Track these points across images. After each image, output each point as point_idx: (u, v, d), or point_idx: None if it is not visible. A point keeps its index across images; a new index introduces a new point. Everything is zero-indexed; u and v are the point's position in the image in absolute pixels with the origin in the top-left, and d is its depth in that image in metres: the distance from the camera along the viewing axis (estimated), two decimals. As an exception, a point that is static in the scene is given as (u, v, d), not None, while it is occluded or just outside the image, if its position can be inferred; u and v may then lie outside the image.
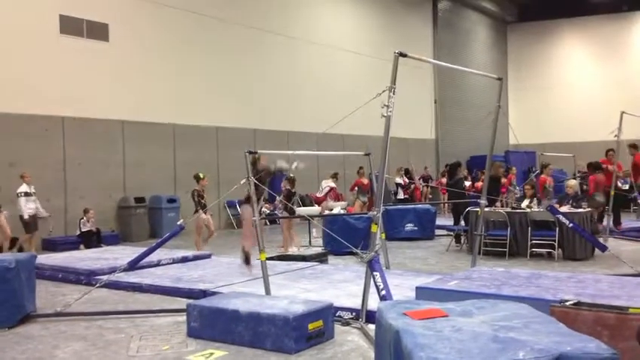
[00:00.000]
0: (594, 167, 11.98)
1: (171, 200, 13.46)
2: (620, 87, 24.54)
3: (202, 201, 9.58)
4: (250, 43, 15.73)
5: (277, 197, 9.90)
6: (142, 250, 7.24)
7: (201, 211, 9.43)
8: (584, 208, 9.56)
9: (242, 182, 6.49)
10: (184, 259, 8.66)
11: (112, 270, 7.13)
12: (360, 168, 13.64)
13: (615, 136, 11.23)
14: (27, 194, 10.30)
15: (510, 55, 27.97)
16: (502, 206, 10.01)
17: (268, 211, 10.27)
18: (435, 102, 22.73)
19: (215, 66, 14.90)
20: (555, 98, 26.50)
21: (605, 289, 5.18)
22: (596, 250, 8.56)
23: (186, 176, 13.73)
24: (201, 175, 9.88)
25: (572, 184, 10.29)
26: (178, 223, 6.84)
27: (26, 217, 10.21)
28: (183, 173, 13.61)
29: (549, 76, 26.97)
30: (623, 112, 11.19)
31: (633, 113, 11.48)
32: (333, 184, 12.57)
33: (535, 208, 9.49)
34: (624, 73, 25.32)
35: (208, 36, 14.73)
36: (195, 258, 8.83)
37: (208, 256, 9.03)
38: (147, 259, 7.41)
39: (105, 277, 6.74)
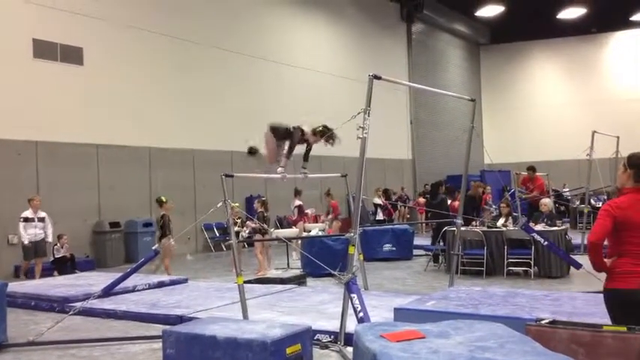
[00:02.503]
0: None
1: (147, 224, 13.31)
2: (590, 106, 25.12)
3: (171, 225, 9.53)
4: (227, 65, 15.76)
5: (251, 220, 9.84)
6: (117, 275, 7.13)
7: (170, 235, 9.34)
8: (559, 226, 9.69)
9: (218, 205, 6.44)
10: (160, 284, 8.54)
11: (86, 297, 6.99)
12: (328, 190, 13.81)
13: (588, 155, 11.49)
14: (27, 219, 10.17)
15: (483, 76, 28.48)
16: (478, 225, 10.10)
17: (247, 234, 10.20)
18: (411, 122, 22.97)
19: (191, 89, 14.88)
20: (528, 118, 26.99)
21: (581, 306, 5.24)
22: (572, 267, 8.66)
23: (162, 200, 13.61)
24: (164, 199, 9.83)
25: (547, 202, 10.43)
26: (153, 247, 6.77)
27: (26, 242, 10.10)
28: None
29: (522, 96, 27.49)
30: (594, 132, 11.47)
31: (604, 132, 11.77)
32: (299, 202, 12.57)
33: (511, 227, 9.59)
34: (594, 93, 25.94)
35: (185, 59, 14.73)
36: (172, 283, 8.71)
37: (185, 281, 8.91)
38: (122, 285, 7.30)
39: (79, 305, 6.60)
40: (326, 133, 6.30)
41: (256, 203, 10.25)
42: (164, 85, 14.28)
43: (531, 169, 12.81)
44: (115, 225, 12.91)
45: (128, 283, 7.48)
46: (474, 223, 9.95)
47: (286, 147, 6.32)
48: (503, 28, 25.60)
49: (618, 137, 12.17)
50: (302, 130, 6.37)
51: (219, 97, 15.55)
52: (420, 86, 6.42)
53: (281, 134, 6.34)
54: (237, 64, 16.06)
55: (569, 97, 26.54)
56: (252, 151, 6.78)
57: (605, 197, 12.30)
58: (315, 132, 6.37)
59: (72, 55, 12.66)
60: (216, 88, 15.50)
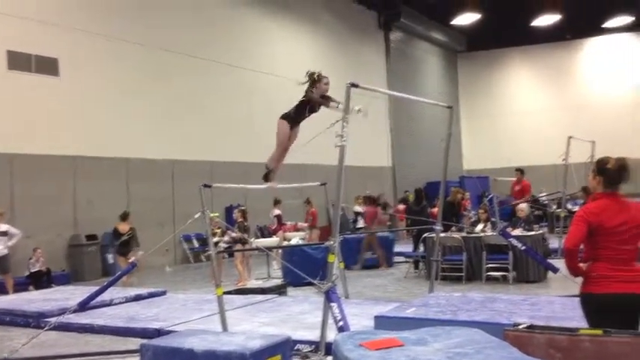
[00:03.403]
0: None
1: (129, 237, 13.11)
2: (566, 112, 25.49)
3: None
4: (205, 74, 15.71)
5: (231, 230, 9.78)
6: (94, 289, 7.02)
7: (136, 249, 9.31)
8: (536, 231, 9.79)
9: (196, 216, 6.39)
10: (138, 297, 8.43)
11: (62, 311, 6.86)
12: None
13: (563, 160, 11.65)
14: None
15: (461, 84, 28.77)
16: (458, 231, 10.16)
17: (227, 245, 10.12)
18: (391, 130, 23.09)
19: (169, 99, 14.78)
20: (506, 124, 27.30)
21: (558, 310, 5.28)
22: (549, 271, 8.74)
23: (140, 212, 13.45)
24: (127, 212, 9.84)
25: (524, 207, 10.54)
26: (131, 260, 6.68)
27: None
28: (137, 208, 13.32)
29: (499, 102, 27.82)
30: (570, 137, 11.63)
31: (580, 137, 11.94)
32: (278, 211, 12.55)
33: (489, 232, 9.66)
34: (569, 99, 26.34)
35: (163, 69, 14.63)
36: (150, 295, 8.60)
37: (163, 293, 8.81)
38: (99, 299, 7.18)
39: (54, 320, 6.47)
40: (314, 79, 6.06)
41: (236, 213, 10.20)
42: (142, 95, 14.16)
43: (519, 170, 13.04)
44: (91, 238, 12.74)
45: (105, 296, 7.37)
46: (453, 228, 10.01)
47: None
48: (480, 35, 25.90)
49: (594, 142, 12.35)
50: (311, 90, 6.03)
51: (198, 106, 15.47)
52: (397, 94, 6.42)
53: (293, 113, 6.06)
54: (216, 72, 16.01)
55: (546, 102, 26.92)
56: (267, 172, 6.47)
57: (583, 202, 12.46)
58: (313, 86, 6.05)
59: (47, 66, 12.51)
60: (195, 98, 15.43)
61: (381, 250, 11.92)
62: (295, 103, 6.00)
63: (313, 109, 6.19)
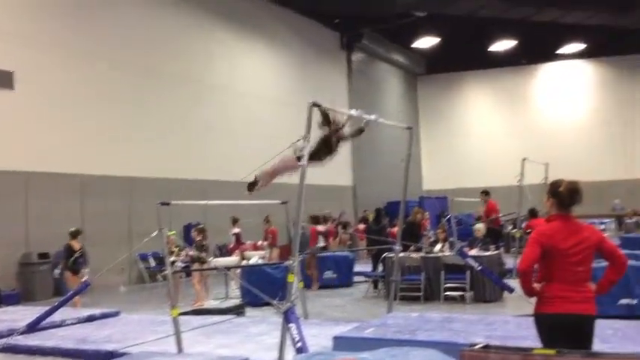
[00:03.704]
0: None
1: (80, 255, 12.75)
2: (522, 134, 26.19)
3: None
4: (165, 90, 15.54)
5: (188, 249, 9.63)
6: (45, 309, 6.78)
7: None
8: (492, 251, 9.96)
9: (153, 235, 6.26)
10: (91, 318, 8.16)
11: (10, 332, 6.59)
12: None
13: (518, 181, 11.95)
14: None
15: (421, 105, 29.27)
16: (416, 251, 10.24)
17: (184, 264, 9.94)
18: (352, 149, 23.24)
19: (127, 115, 14.54)
20: (464, 145, 27.85)
21: (513, 330, 5.36)
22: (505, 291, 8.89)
23: (95, 229, 13.12)
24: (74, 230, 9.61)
25: (480, 227, 10.72)
26: (83, 279, 6.48)
27: None
28: (92, 226, 13.01)
29: (458, 124, 28.39)
30: (524, 159, 11.95)
31: (534, 160, 12.28)
32: (237, 230, 12.43)
33: (447, 252, 9.78)
34: (525, 122, 27.10)
35: (122, 85, 14.41)
36: (103, 316, 8.34)
37: (117, 314, 8.56)
38: (49, 320, 6.94)
39: (2, 341, 6.22)
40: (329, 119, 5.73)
41: (194, 232, 10.05)
42: (99, 110, 13.88)
43: (484, 192, 13.28)
44: (43, 256, 12.33)
45: (56, 317, 7.12)
46: (411, 248, 10.10)
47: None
48: (439, 59, 26.49)
49: (547, 164, 12.71)
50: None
51: (158, 123, 15.26)
52: (356, 114, 6.44)
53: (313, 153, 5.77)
54: (177, 89, 15.87)
55: (503, 125, 27.61)
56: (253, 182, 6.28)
57: (526, 222, 12.77)
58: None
59: (2, 79, 12.15)
60: (153, 114, 15.22)
61: (315, 270, 11.83)
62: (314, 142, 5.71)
63: (331, 148, 5.90)
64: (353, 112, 6.21)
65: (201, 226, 9.88)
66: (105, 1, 14.23)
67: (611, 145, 25.71)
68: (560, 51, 26.11)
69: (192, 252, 9.61)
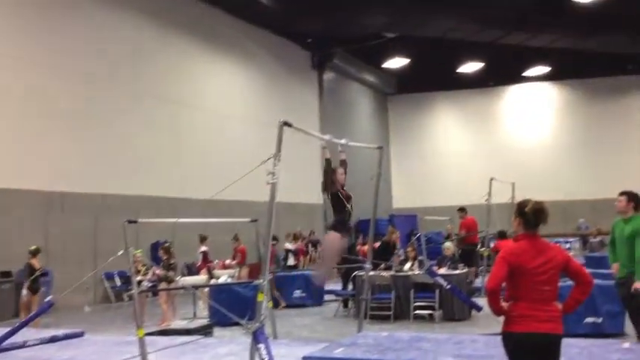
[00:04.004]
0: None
1: (43, 274, 12.38)
2: (489, 154, 26.64)
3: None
4: (133, 106, 15.33)
5: (155, 268, 9.46)
6: (5, 330, 6.56)
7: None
8: (461, 270, 10.04)
9: (119, 253, 6.14)
10: (54, 339, 7.92)
11: (-33, 355, 6.36)
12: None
13: (486, 200, 12.13)
14: None
15: (391, 124, 29.57)
16: (387, 269, 10.26)
17: (151, 283, 9.76)
18: (322, 168, 23.32)
19: (93, 131, 14.27)
20: (433, 165, 28.18)
21: (481, 349, 5.38)
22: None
23: (59, 247, 12.83)
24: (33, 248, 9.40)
25: (449, 246, 10.81)
26: (47, 299, 6.31)
27: None
28: (56, 245, 12.72)
29: (428, 144, 28.74)
30: (492, 179, 12.15)
31: (501, 179, 12.49)
32: (204, 248, 12.27)
33: (417, 271, 9.81)
34: (492, 142, 27.59)
35: (85, 98, 14.09)
36: (66, 337, 8.10)
37: (81, 334, 8.32)
38: (10, 341, 6.70)
39: (-43, 365, 5.99)
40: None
41: (160, 250, 9.89)
42: (64, 126, 13.57)
43: (462, 210, 13.45)
44: (5, 275, 11.97)
45: (18, 338, 6.89)
46: (382, 266, 10.12)
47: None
48: (409, 79, 26.88)
49: (513, 183, 12.94)
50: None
51: (127, 139, 15.04)
52: (323, 137, 6.45)
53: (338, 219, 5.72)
54: (146, 105, 15.70)
55: (471, 145, 28.04)
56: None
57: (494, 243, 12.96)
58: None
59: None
60: (124, 130, 15.00)
61: (274, 290, 11.74)
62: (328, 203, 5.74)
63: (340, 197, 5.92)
64: (324, 136, 6.23)
65: (167, 244, 9.72)
66: (71, 13, 14.04)
67: (576, 165, 26.34)
68: (526, 73, 26.78)
69: (159, 271, 9.44)
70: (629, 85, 26.25)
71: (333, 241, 5.92)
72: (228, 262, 13.92)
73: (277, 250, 12.47)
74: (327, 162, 5.84)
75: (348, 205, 5.70)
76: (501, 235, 11.79)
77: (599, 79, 26.20)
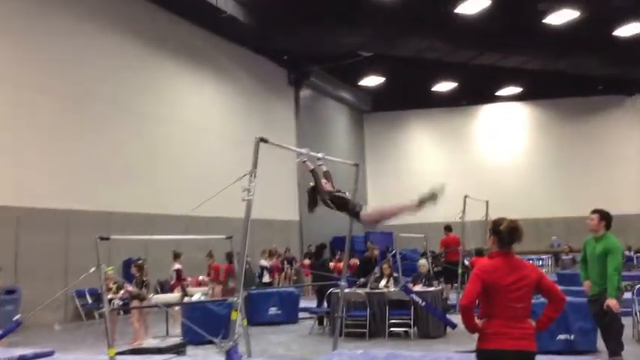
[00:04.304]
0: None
1: (10, 292, 12.07)
2: (463, 172, 26.91)
3: None
4: (106, 120, 15.10)
5: (127, 285, 9.31)
6: (-31, 351, 6.37)
7: None
8: (436, 287, 10.08)
9: (91, 271, 6.04)
10: (22, 359, 7.72)
11: None
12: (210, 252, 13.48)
13: (460, 218, 12.25)
14: None
15: (367, 142, 29.75)
16: (362, 286, 10.25)
17: (123, 301, 9.58)
18: (298, 183, 23.29)
19: (65, 144, 14.01)
20: (408, 182, 28.28)
21: (456, 366, 5.39)
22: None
23: (29, 264, 12.55)
24: None
25: (424, 263, 10.86)
26: (15, 318, 6.15)
27: None
28: (26, 261, 12.43)
29: (402, 161, 28.95)
30: (466, 196, 12.28)
31: (475, 197, 12.63)
32: (178, 266, 12.11)
33: (392, 288, 9.82)
34: (467, 160, 27.93)
35: (56, 113, 13.83)
36: (35, 356, 7.90)
37: (51, 354, 8.13)
38: (-26, 362, 6.51)
39: None
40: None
41: (133, 268, 9.74)
42: (35, 140, 13.29)
43: (446, 228, 13.59)
44: (-29, 293, 11.62)
45: (-18, 358, 6.69)
46: (357, 283, 10.11)
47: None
48: (384, 97, 27.15)
49: (487, 201, 13.10)
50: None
51: (99, 154, 14.80)
52: (304, 152, 6.44)
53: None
54: (120, 119, 15.50)
55: (445, 162, 28.33)
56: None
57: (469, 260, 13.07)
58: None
59: None
60: (97, 146, 14.76)
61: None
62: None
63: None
64: (302, 150, 6.26)
65: (140, 261, 9.57)
66: (46, 28, 13.88)
67: (549, 183, 26.80)
68: (499, 93, 27.28)
69: (131, 288, 9.29)
70: (600, 106, 26.91)
71: (371, 213, 6.06)
72: (201, 278, 13.77)
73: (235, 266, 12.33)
74: (313, 172, 5.81)
75: (346, 194, 5.72)
76: (478, 253, 11.90)
77: (571, 100, 26.82)
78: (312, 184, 5.91)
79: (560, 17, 18.62)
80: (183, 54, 17.98)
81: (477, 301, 3.65)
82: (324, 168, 6.13)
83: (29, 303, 10.95)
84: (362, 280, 10.41)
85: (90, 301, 13.89)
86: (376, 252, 12.57)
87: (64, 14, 14.37)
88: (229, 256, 11.88)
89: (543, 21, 18.80)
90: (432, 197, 5.43)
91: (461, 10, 17.94)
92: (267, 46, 20.41)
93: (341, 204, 5.68)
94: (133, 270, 9.62)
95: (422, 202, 5.48)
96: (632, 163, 26.11)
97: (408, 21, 18.58)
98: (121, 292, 9.57)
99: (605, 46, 20.96)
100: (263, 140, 5.65)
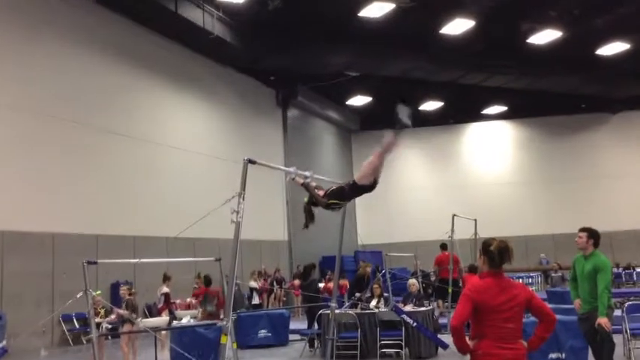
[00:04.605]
0: None
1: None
2: (451, 191, 27.06)
3: None
4: (93, 142, 14.94)
5: (116, 309, 9.18)
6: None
7: None
8: (427, 307, 10.05)
9: (78, 296, 5.96)
10: (6, 387, 7.56)
11: None
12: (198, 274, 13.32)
13: (449, 236, 12.29)
14: None
15: (355, 161, 29.82)
16: (353, 306, 10.20)
17: (110, 325, 9.44)
18: (287, 203, 23.24)
19: (52, 167, 13.85)
20: (397, 201, 28.42)
21: (449, 387, 5.35)
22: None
23: (15, 289, 12.36)
24: None
25: (414, 282, 10.83)
26: (0, 345, 6.04)
27: None
28: (11, 286, 12.23)
29: (391, 180, 28.99)
30: (454, 215, 12.33)
31: (463, 215, 12.69)
32: (166, 289, 11.96)
33: (383, 308, 9.78)
34: (454, 179, 28.05)
35: (42, 134, 13.68)
36: (20, 384, 7.75)
37: (36, 381, 7.98)
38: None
39: None
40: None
41: (123, 289, 9.60)
42: (19, 162, 13.07)
43: (442, 246, 13.64)
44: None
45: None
46: (356, 295, 10.06)
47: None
48: (372, 116, 27.29)
49: (476, 220, 13.15)
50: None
51: (84, 176, 14.61)
52: (292, 171, 6.45)
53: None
54: (108, 143, 15.39)
55: (434, 181, 28.46)
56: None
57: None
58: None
59: None
60: (81, 168, 14.59)
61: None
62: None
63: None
64: (289, 169, 6.26)
65: (130, 285, 9.45)
66: (35, 50, 13.85)
67: (536, 201, 26.95)
68: (484, 112, 27.55)
69: (122, 311, 9.15)
70: (585, 123, 27.23)
71: (362, 170, 6.14)
72: (188, 300, 13.64)
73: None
74: (305, 186, 5.84)
75: (336, 185, 5.76)
76: (472, 269, 11.89)
77: (556, 118, 27.14)
78: (306, 199, 5.93)
79: (544, 37, 18.93)
80: (170, 75, 17.98)
81: (467, 322, 3.64)
82: (313, 183, 6.13)
83: (15, 328, 10.78)
84: (357, 295, 10.37)
85: (77, 325, 13.68)
86: (368, 269, 12.52)
87: (55, 39, 14.35)
88: (207, 279, 11.78)
89: (527, 41, 19.10)
90: (398, 122, 5.47)
91: (446, 30, 18.18)
92: (254, 66, 20.51)
93: (340, 193, 5.72)
94: (123, 292, 9.50)
95: (396, 129, 5.49)
96: (618, 179, 26.37)
97: (394, 41, 18.79)
98: (112, 316, 9.43)
99: (587, 65, 21.30)
100: (251, 162, 5.64)
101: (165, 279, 12.02)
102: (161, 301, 11.83)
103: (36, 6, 13.87)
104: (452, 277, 12.63)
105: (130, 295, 9.32)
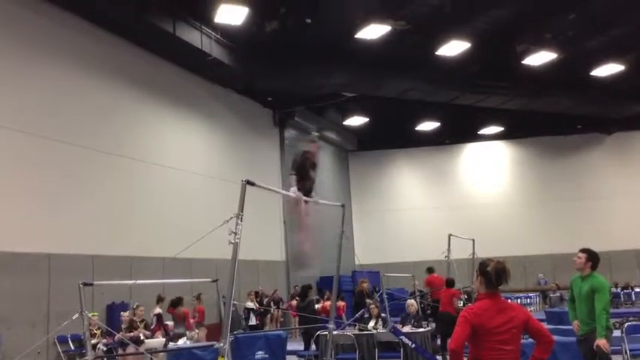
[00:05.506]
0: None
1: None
2: (448, 210, 27.08)
3: None
4: (88, 162, 14.89)
5: (115, 333, 9.13)
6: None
7: None
8: (425, 327, 10.00)
9: (74, 317, 5.92)
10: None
11: None
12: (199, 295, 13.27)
13: (446, 256, 12.27)
14: None
15: (352, 181, 29.88)
16: (356, 321, 10.15)
17: (106, 347, 9.38)
18: (285, 223, 23.19)
19: (48, 188, 13.79)
20: (394, 221, 28.42)
21: (448, 410, 5.31)
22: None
23: (9, 310, 12.24)
24: None
25: (412, 302, 10.79)
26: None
27: None
28: (5, 308, 12.12)
29: (388, 200, 29.05)
30: (450, 235, 12.33)
31: (460, 235, 12.68)
32: (158, 310, 11.86)
33: (380, 329, 9.73)
34: (451, 198, 28.09)
35: (38, 153, 13.65)
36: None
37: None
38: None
39: None
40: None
41: (127, 313, 9.53)
42: (13, 182, 13.07)
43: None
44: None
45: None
46: (343, 325, 10.01)
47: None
48: (369, 136, 27.44)
49: (473, 240, 13.13)
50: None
51: (80, 197, 14.52)
52: (292, 194, 6.48)
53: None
54: (103, 163, 15.33)
55: (430, 201, 28.48)
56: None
57: (465, 297, 12.99)
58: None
59: None
60: (77, 188, 14.48)
61: None
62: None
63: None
64: (289, 192, 6.30)
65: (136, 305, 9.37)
66: (31, 72, 13.91)
67: (533, 221, 26.96)
68: (481, 132, 27.72)
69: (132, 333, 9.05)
70: (580, 144, 27.41)
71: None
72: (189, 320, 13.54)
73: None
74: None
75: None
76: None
77: (552, 138, 27.32)
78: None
79: (539, 59, 19.13)
80: (168, 96, 18.06)
81: (465, 344, 3.63)
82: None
83: (9, 350, 10.67)
84: (362, 310, 10.34)
85: (73, 347, 13.54)
86: (365, 284, 12.49)
87: (54, 61, 14.41)
88: (172, 301, 11.72)
89: (522, 62, 19.29)
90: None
91: (442, 52, 18.36)
92: (251, 87, 20.65)
93: (306, 177, 5.98)
94: (127, 316, 9.42)
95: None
96: (614, 199, 26.45)
97: (391, 63, 18.97)
98: (107, 339, 9.36)
99: (582, 86, 21.52)
100: (249, 183, 5.66)
101: (159, 300, 11.96)
102: (154, 322, 11.76)
103: (33, 28, 13.93)
104: (448, 310, 12.64)
105: (134, 314, 9.26)
